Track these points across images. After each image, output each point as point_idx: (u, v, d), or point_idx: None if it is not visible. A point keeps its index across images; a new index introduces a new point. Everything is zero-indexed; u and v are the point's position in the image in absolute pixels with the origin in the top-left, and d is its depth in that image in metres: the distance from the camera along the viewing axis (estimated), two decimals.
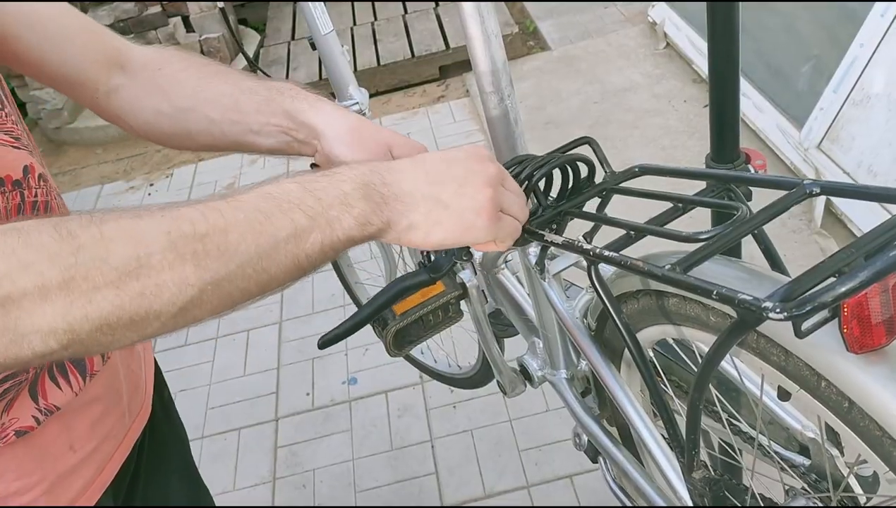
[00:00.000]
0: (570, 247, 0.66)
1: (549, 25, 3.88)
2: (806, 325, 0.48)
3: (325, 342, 0.73)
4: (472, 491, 1.86)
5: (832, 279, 0.49)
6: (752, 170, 1.00)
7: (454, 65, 3.72)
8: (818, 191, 0.56)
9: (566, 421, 1.98)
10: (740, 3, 0.91)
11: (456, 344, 1.78)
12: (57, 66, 0.77)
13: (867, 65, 2.25)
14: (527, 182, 0.70)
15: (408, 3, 4.21)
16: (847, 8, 2.45)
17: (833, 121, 2.34)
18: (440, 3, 4.13)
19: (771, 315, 0.46)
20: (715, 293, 0.49)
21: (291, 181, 0.57)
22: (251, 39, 4.26)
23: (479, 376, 1.55)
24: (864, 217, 2.20)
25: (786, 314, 0.45)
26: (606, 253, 0.62)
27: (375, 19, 4.12)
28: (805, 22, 2.65)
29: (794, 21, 2.68)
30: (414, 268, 1.43)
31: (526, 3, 4.12)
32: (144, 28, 3.89)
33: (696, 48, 3.13)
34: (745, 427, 0.83)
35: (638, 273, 0.57)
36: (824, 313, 0.49)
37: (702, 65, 3.07)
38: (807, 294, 0.46)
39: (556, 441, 1.93)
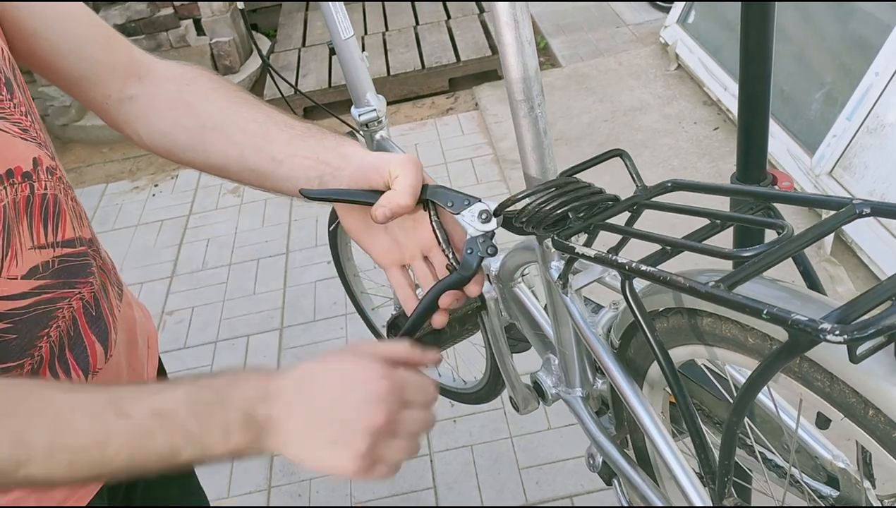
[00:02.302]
0: (603, 260, 0.64)
1: (559, 42, 3.88)
2: (860, 350, 0.46)
3: None
4: None
5: (888, 303, 0.47)
6: None
7: (464, 78, 3.71)
8: (868, 211, 0.54)
9: (568, 439, 1.95)
10: (775, 20, 0.90)
11: (460, 359, 1.75)
12: (72, 68, 0.76)
13: (882, 93, 2.24)
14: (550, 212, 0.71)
15: (419, 15, 4.21)
16: (859, 39, 2.45)
17: (846, 149, 2.33)
18: (451, 15, 4.14)
19: (829, 337, 0.43)
20: (765, 312, 0.47)
21: (184, 395, 0.59)
22: (262, 45, 4.26)
23: (485, 391, 1.52)
24: (874, 245, 2.18)
25: (846, 337, 0.43)
26: (644, 267, 0.59)
27: (387, 29, 4.12)
28: (816, 50, 2.64)
29: (804, 49, 2.68)
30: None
31: (537, 20, 4.12)
32: (155, 29, 3.88)
33: (707, 70, 3.13)
34: (768, 453, 0.81)
35: (678, 289, 0.55)
36: (879, 338, 0.46)
37: (713, 87, 3.07)
38: (866, 317, 0.44)
39: (557, 461, 1.90)
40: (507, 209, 0.73)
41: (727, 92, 2.97)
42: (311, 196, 0.72)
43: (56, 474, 0.56)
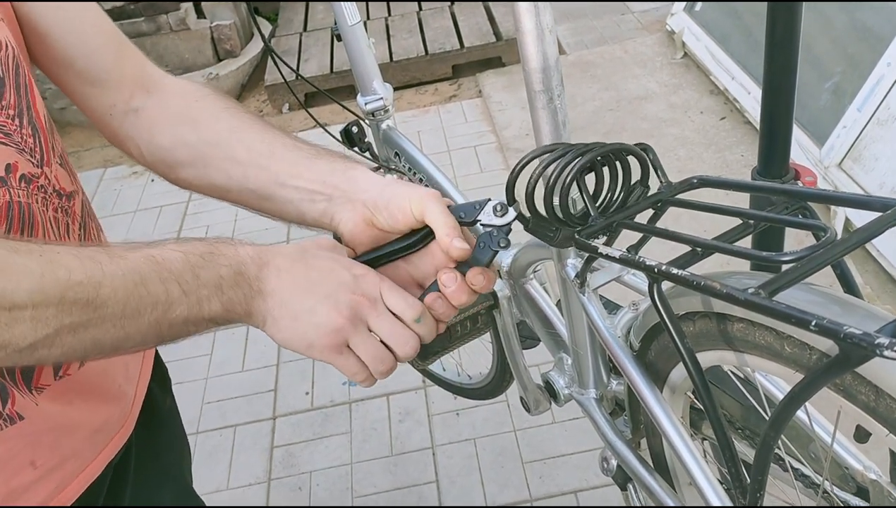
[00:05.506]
0: (629, 262, 0.61)
1: (564, 29, 3.83)
2: None
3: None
4: (473, 503, 1.80)
5: None
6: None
7: (467, 64, 3.67)
8: None
9: (573, 434, 1.93)
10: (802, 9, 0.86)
11: (464, 353, 1.73)
12: (80, 72, 0.75)
13: (895, 84, 2.20)
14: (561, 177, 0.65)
15: (423, 1, 4.16)
16: (870, 28, 2.41)
17: (856, 140, 2.29)
18: (455, 1, 4.08)
19: (886, 353, 0.40)
20: (814, 324, 0.44)
21: (177, 248, 0.59)
22: (263, 29, 4.20)
23: (491, 387, 1.49)
24: (886, 241, 2.15)
25: None
26: (674, 271, 0.56)
27: (389, 15, 4.07)
28: (825, 39, 2.60)
29: (813, 38, 2.63)
30: None
31: None
32: (155, 12, 3.82)
33: (715, 59, 3.08)
34: (794, 461, 0.78)
35: (714, 296, 0.52)
36: None
37: (720, 76, 3.02)
38: None
39: (561, 455, 1.88)
40: (524, 208, 0.69)
41: (734, 81, 2.93)
42: (361, 260, 0.68)
43: (45, 313, 0.51)
